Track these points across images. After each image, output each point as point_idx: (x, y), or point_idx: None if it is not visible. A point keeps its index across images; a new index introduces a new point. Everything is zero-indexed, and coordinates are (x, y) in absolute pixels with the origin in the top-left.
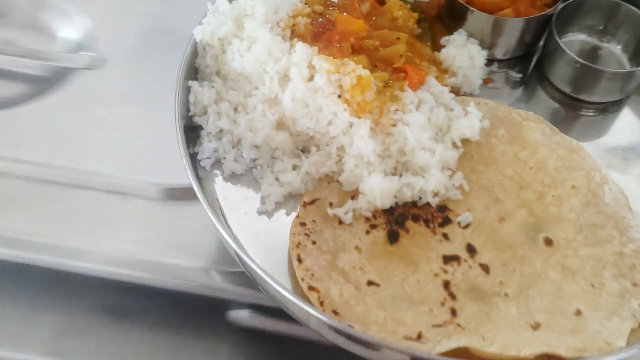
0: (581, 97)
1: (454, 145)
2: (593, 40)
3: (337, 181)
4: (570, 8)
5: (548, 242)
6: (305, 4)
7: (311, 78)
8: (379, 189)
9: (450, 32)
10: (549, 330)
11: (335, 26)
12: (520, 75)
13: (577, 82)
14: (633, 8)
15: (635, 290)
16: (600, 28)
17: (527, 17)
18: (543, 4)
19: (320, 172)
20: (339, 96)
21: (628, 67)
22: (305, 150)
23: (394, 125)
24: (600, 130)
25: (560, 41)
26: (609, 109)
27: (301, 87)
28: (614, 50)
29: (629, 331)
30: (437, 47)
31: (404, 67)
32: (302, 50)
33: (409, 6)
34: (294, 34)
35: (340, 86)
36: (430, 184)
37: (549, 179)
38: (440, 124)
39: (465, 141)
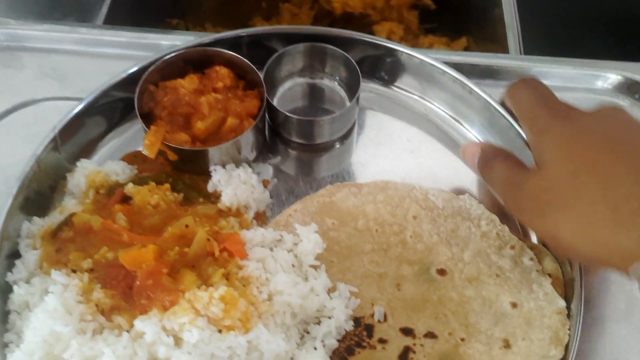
0: (317, 142)
1: (314, 267)
2: (306, 80)
3: None
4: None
5: (441, 272)
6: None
7: (179, 340)
8: None
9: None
10: (515, 336)
11: (131, 274)
12: (279, 158)
13: (306, 133)
14: (332, 47)
15: (518, 251)
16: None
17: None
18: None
19: None
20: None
21: (347, 102)
22: None
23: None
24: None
25: (282, 111)
26: (343, 141)
27: (182, 356)
28: (334, 86)
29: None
30: (204, 193)
31: (222, 248)
32: (146, 324)
33: (152, 184)
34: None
35: (212, 320)
36: (339, 316)
37: (396, 226)
38: (292, 262)
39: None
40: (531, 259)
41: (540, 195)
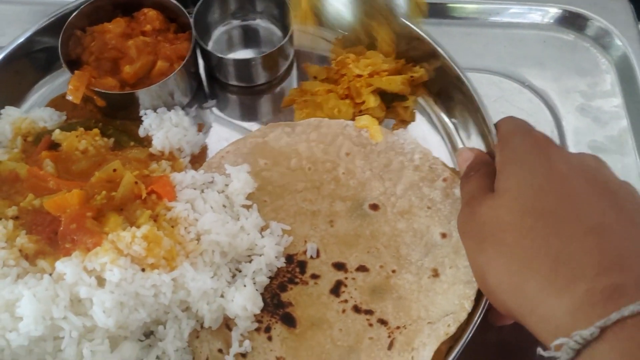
0: (254, 83)
1: (246, 207)
2: (240, 22)
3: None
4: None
5: (373, 207)
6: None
7: (101, 280)
8: (248, 300)
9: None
10: (444, 265)
11: (56, 219)
12: (214, 101)
13: (242, 74)
14: None
15: (450, 183)
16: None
17: (178, 69)
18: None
19: (185, 339)
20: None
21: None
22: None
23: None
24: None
25: (214, 53)
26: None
27: (104, 295)
28: (261, 24)
29: None
30: (135, 137)
31: (150, 190)
32: (67, 265)
33: (80, 130)
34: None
35: (135, 258)
36: (269, 253)
37: (328, 163)
38: (223, 202)
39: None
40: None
41: (485, 223)
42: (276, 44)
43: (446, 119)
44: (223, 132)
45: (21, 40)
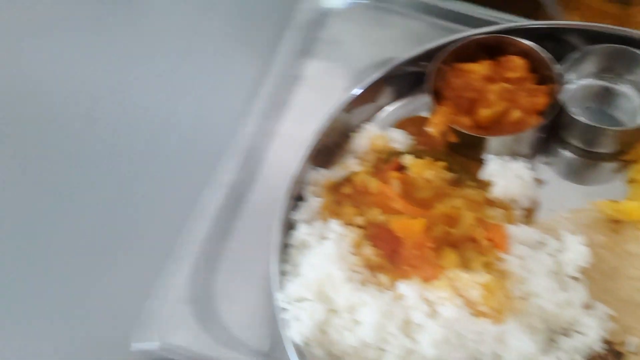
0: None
1: (574, 278)
2: (603, 83)
3: None
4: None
5: None
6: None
7: (433, 312)
8: None
9: (474, 155)
10: None
11: (398, 240)
12: (553, 159)
13: (588, 139)
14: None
15: None
16: (608, 71)
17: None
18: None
19: None
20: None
21: None
22: None
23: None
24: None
25: (569, 114)
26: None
27: (435, 327)
28: (626, 90)
29: None
30: (477, 180)
31: (487, 235)
32: (408, 289)
33: (429, 159)
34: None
35: (469, 302)
36: (592, 335)
37: None
38: (551, 268)
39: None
40: None
41: None
42: (631, 114)
43: None
44: (557, 193)
45: (396, 64)
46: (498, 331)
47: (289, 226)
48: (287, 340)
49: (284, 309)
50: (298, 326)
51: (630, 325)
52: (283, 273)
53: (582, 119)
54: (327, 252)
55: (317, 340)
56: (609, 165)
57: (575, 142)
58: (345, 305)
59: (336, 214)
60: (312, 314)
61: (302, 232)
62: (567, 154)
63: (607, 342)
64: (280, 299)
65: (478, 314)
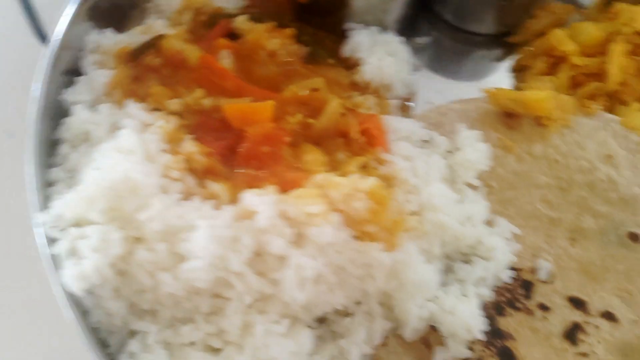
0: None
1: (471, 187)
2: None
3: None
4: None
5: (634, 237)
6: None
7: (300, 236)
8: (472, 318)
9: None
10: None
11: (236, 132)
12: (429, 38)
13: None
14: None
15: None
16: None
17: None
18: None
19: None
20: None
21: None
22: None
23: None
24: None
25: None
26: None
27: (303, 259)
28: None
29: None
30: (337, 56)
31: (363, 129)
32: (260, 202)
33: (271, 24)
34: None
35: (350, 219)
36: (500, 260)
37: (584, 162)
38: (444, 173)
39: None
40: None
41: None
42: None
43: None
44: (434, 82)
45: None
46: (393, 260)
47: (60, 112)
48: (59, 289)
49: (51, 240)
50: (76, 267)
51: (538, 246)
52: (50, 183)
53: None
54: (122, 148)
55: (111, 287)
56: (494, 51)
57: (450, 18)
58: (158, 231)
59: (137, 95)
60: (101, 245)
61: (80, 119)
62: (442, 35)
63: (514, 269)
64: (43, 222)
65: (365, 236)
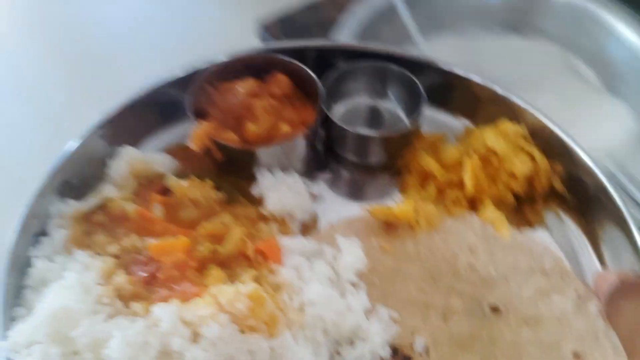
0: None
1: (354, 285)
2: (373, 102)
3: None
4: (334, 81)
5: (494, 309)
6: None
7: (195, 335)
8: None
9: (244, 173)
10: None
11: (157, 263)
12: (329, 175)
13: (360, 150)
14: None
15: (583, 296)
16: (374, 90)
17: (304, 134)
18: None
19: None
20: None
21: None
22: None
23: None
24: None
25: (338, 124)
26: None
27: (198, 352)
28: (388, 105)
29: None
30: (249, 196)
31: (256, 250)
32: (163, 312)
33: (195, 179)
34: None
35: (235, 317)
36: (375, 340)
37: (448, 253)
38: (330, 275)
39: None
40: (598, 308)
41: None
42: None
43: (579, 228)
44: (334, 206)
45: (152, 88)
46: (272, 346)
47: (27, 265)
48: None
49: None
50: None
51: (415, 326)
52: (12, 319)
53: (350, 128)
54: (65, 285)
55: None
56: (384, 177)
57: (349, 156)
58: (87, 343)
59: (86, 245)
60: (44, 359)
61: (40, 269)
62: (344, 168)
63: (394, 348)
64: (3, 347)
65: (247, 329)
